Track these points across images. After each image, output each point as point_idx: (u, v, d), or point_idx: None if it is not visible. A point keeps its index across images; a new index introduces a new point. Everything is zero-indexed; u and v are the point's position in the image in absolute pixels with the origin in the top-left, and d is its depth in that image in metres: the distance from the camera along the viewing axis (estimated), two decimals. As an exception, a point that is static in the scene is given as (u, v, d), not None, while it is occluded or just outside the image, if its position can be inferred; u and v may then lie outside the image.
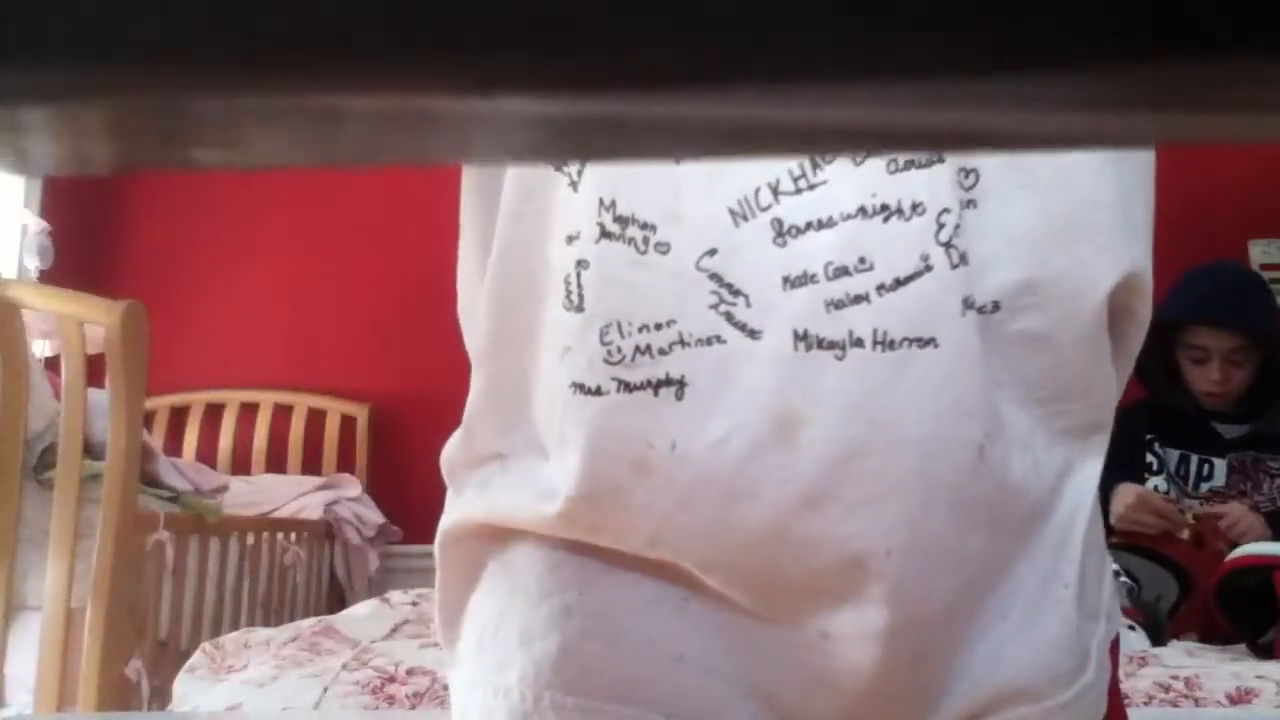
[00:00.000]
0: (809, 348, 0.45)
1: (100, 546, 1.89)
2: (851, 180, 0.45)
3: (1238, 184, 3.14)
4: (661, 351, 0.46)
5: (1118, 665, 0.66)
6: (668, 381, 0.46)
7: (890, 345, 0.44)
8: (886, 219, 0.45)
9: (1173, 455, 2.30)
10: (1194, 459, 2.29)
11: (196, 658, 1.65)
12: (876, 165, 0.45)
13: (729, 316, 0.45)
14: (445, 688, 1.43)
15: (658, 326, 0.46)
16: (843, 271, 0.45)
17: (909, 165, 0.45)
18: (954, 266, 0.45)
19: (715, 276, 0.46)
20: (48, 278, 3.16)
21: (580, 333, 0.47)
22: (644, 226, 0.46)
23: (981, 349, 0.46)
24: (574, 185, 0.48)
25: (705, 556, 0.48)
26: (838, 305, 0.45)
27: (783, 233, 0.45)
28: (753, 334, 0.45)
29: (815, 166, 0.46)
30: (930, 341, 0.45)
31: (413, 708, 1.39)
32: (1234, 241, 3.01)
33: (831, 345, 0.45)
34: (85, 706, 1.84)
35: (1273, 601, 1.56)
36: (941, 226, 0.45)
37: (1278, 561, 1.58)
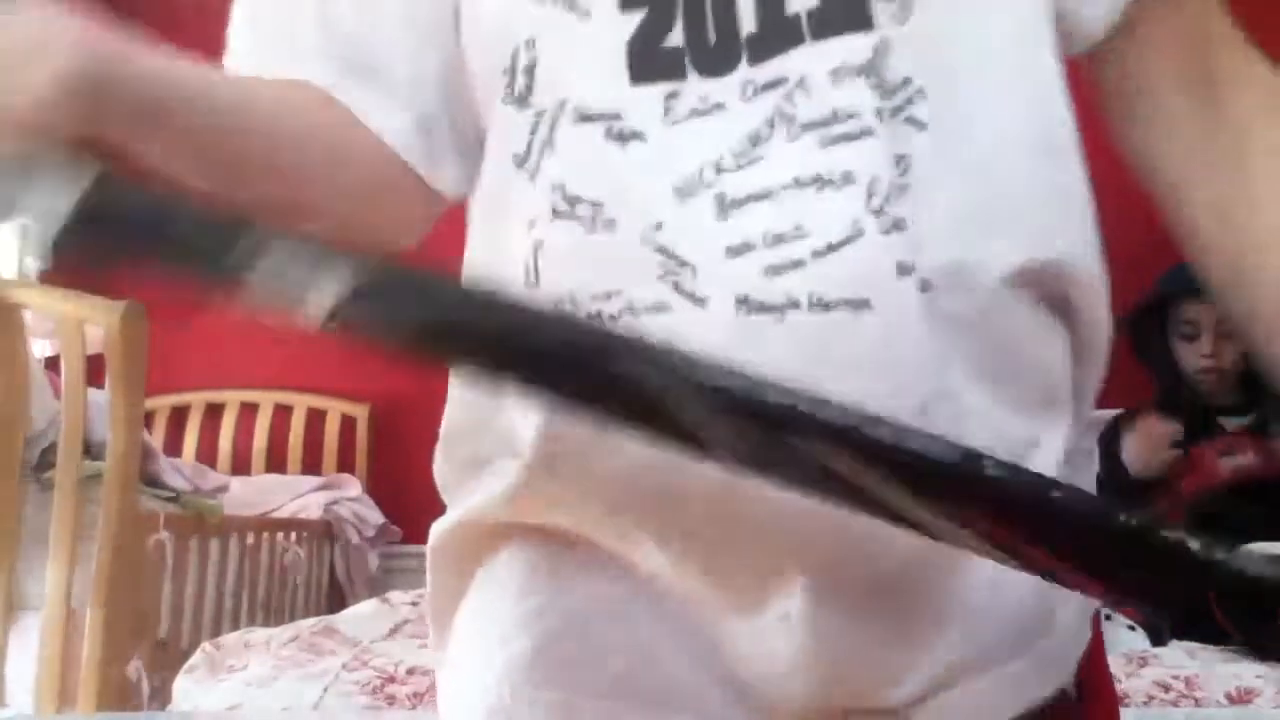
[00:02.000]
0: (750, 312, 0.47)
1: (100, 546, 1.89)
2: (787, 155, 0.48)
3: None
4: (612, 318, 0.48)
5: (1102, 648, 0.66)
6: None
7: (826, 307, 0.47)
8: (820, 189, 0.47)
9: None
10: None
11: (196, 658, 1.65)
12: (810, 140, 0.48)
13: (676, 285, 0.48)
14: (445, 688, 1.44)
15: (608, 296, 0.48)
16: (779, 239, 0.47)
17: (840, 139, 0.47)
18: (885, 232, 0.47)
19: (662, 249, 0.48)
20: (48, 278, 3.16)
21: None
22: (593, 205, 0.49)
23: (921, 316, 0.48)
24: (532, 176, 0.51)
25: (662, 523, 0.50)
26: (776, 271, 0.47)
27: (724, 206, 0.48)
28: (699, 301, 0.48)
29: (754, 143, 0.48)
30: (864, 304, 0.47)
31: (413, 708, 1.40)
32: (1234, 241, 3.02)
33: (771, 309, 0.47)
34: (85, 706, 1.84)
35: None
36: (872, 195, 0.47)
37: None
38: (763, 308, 0.47)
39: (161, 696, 1.90)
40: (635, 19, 0.49)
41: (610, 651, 0.54)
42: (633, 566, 0.53)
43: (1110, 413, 2.47)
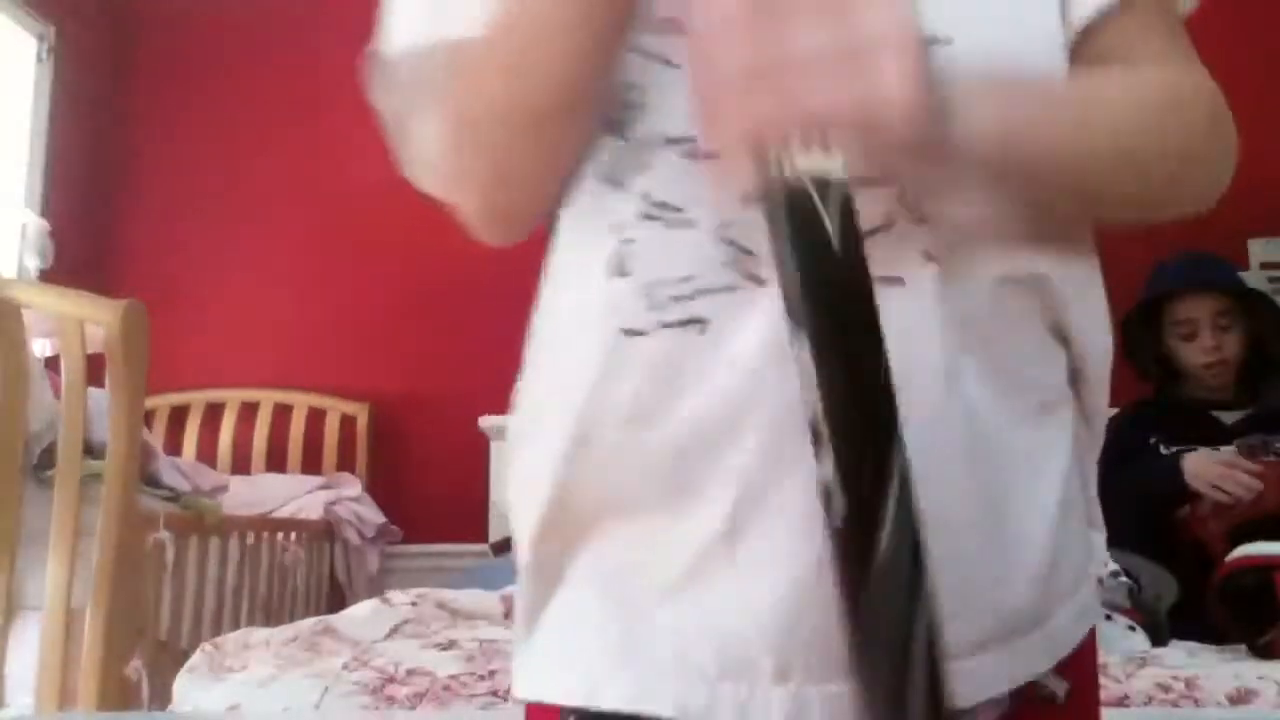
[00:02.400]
0: None
1: (100, 546, 1.89)
2: None
3: (1238, 183, 3.14)
4: (689, 298, 0.59)
5: (1094, 659, 0.69)
6: (692, 321, 0.59)
7: None
8: (862, 186, 0.54)
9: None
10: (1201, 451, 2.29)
11: (196, 658, 1.65)
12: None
13: (741, 270, 0.59)
14: (445, 688, 1.44)
15: (686, 279, 0.59)
16: None
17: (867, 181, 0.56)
18: (913, 223, 0.58)
19: (731, 242, 0.59)
20: (48, 277, 3.16)
21: (630, 293, 0.61)
22: (675, 209, 0.60)
23: (940, 298, 0.58)
24: (624, 190, 0.62)
25: (725, 452, 0.60)
26: None
27: None
28: (760, 282, 0.58)
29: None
30: (897, 280, 0.57)
31: (413, 708, 1.40)
32: (1234, 240, 3.01)
33: None
34: (85, 706, 1.84)
35: (1273, 601, 1.56)
36: (903, 193, 0.58)
37: (1278, 561, 1.58)
38: None
39: (161, 696, 1.90)
40: None
41: (689, 638, 0.62)
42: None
43: (1110, 411, 2.48)
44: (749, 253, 0.58)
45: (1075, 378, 0.66)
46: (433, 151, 0.67)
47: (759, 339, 0.58)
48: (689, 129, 0.58)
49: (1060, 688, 0.63)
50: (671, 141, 0.60)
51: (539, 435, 0.66)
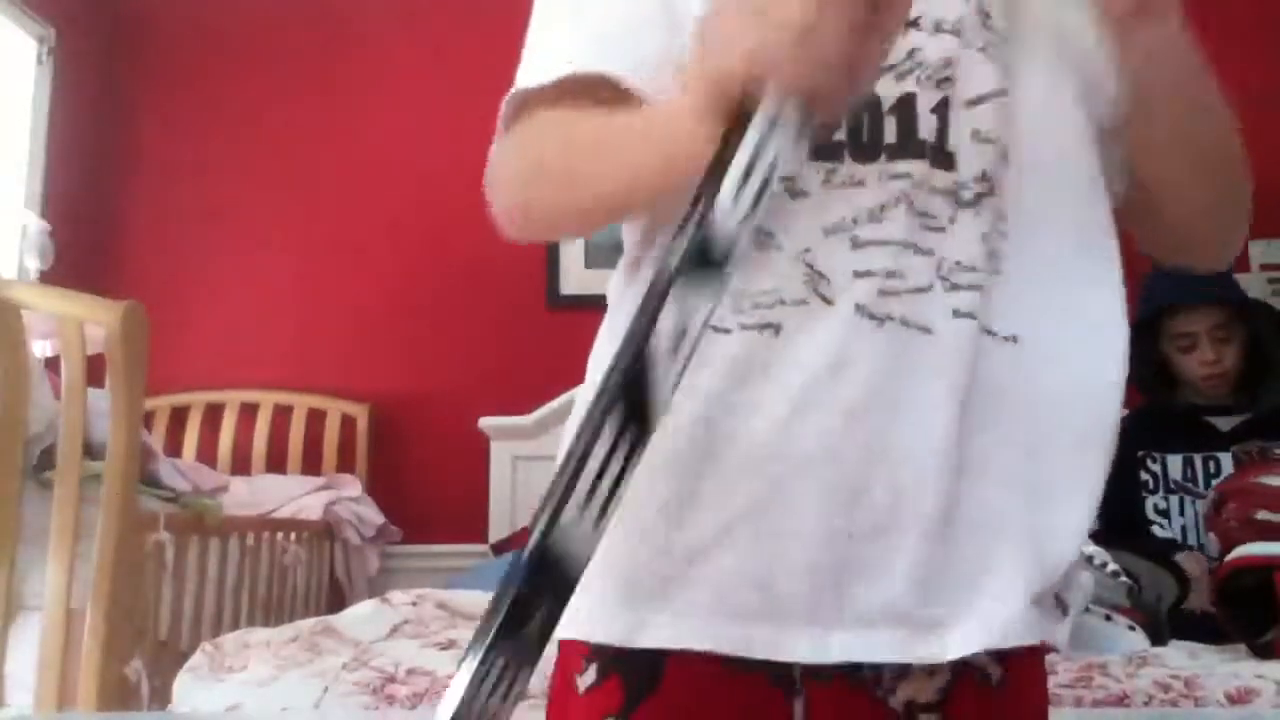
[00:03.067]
0: (862, 316, 0.70)
1: (100, 546, 1.89)
2: (901, 223, 0.71)
3: (1238, 184, 3.13)
4: (768, 307, 0.71)
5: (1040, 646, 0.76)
6: (769, 325, 0.71)
7: (907, 325, 0.70)
8: (915, 252, 0.71)
9: (1175, 461, 2.28)
10: (1198, 460, 2.27)
11: (196, 658, 1.65)
12: (916, 222, 0.71)
13: (814, 289, 0.71)
14: (445, 688, 1.43)
15: (768, 293, 0.71)
16: (890, 274, 0.71)
17: (929, 229, 0.71)
18: (946, 290, 0.71)
19: (809, 265, 0.71)
20: (48, 278, 3.16)
21: None
22: (767, 234, 0.71)
23: (966, 347, 0.71)
24: None
25: (780, 443, 0.70)
26: (884, 294, 0.70)
27: (856, 244, 0.71)
28: (829, 302, 0.70)
29: (882, 209, 0.71)
30: (927, 329, 0.70)
31: (413, 708, 1.40)
32: (1234, 241, 3.01)
33: (876, 318, 0.70)
34: (85, 706, 1.84)
35: (1272, 601, 1.56)
36: (940, 265, 0.71)
37: (1278, 561, 1.58)
38: (871, 316, 0.70)
39: (161, 696, 1.90)
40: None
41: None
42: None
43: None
44: (823, 276, 0.71)
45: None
46: (504, 175, 0.77)
47: (823, 346, 0.70)
48: (790, 170, 0.69)
49: (995, 671, 0.72)
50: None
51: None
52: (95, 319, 1.93)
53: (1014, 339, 0.72)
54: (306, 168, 3.57)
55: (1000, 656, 0.72)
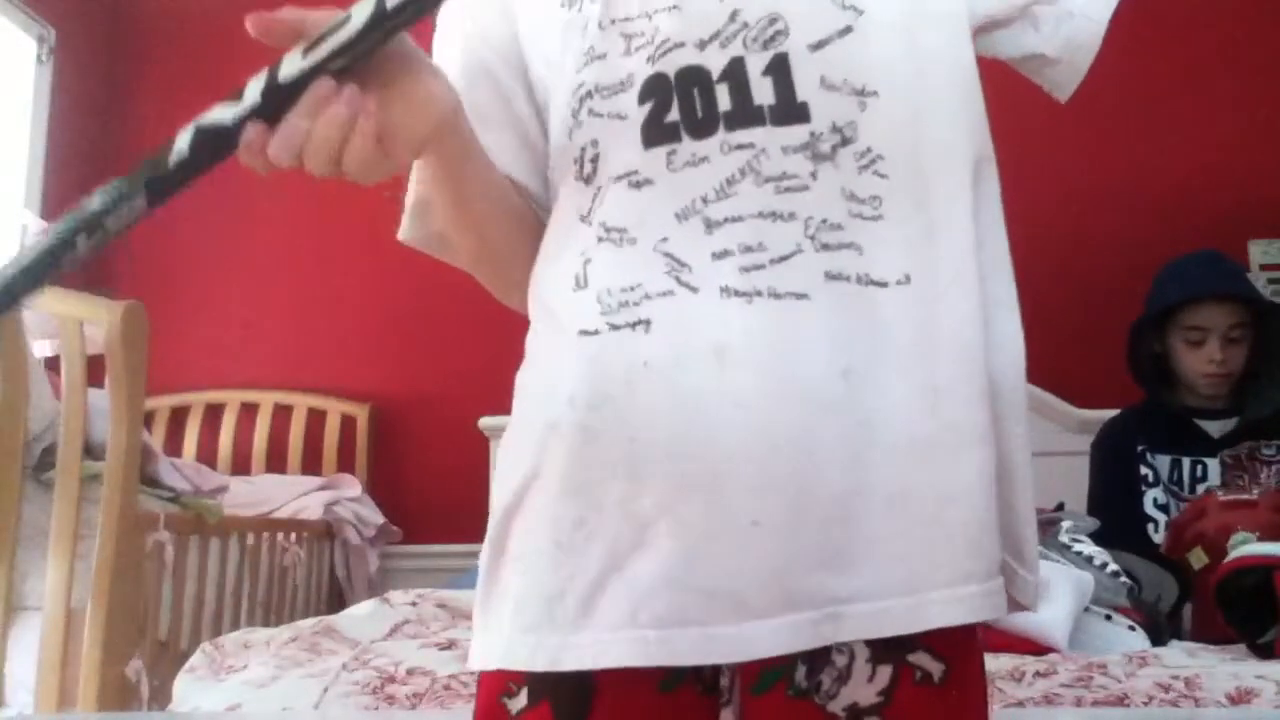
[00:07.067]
0: (729, 297, 0.69)
1: (100, 546, 1.89)
2: (754, 195, 0.70)
3: (1238, 184, 3.14)
4: (635, 304, 0.70)
5: (977, 645, 0.75)
6: (639, 322, 0.70)
7: (778, 296, 0.69)
8: (774, 220, 0.70)
9: (1163, 461, 2.27)
10: (1185, 463, 2.26)
11: (196, 658, 1.65)
12: (769, 188, 0.70)
13: (678, 279, 0.70)
14: (445, 688, 1.44)
15: (632, 288, 0.70)
16: (748, 249, 0.69)
17: (787, 190, 0.70)
18: (816, 250, 0.69)
19: (668, 255, 0.70)
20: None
21: (585, 299, 0.72)
22: (622, 231, 0.72)
23: (842, 309, 0.69)
24: (588, 223, 0.74)
25: (676, 440, 0.69)
26: (746, 270, 0.69)
27: (710, 225, 0.70)
28: (693, 289, 0.69)
29: (730, 184, 0.70)
30: (804, 295, 0.69)
31: (413, 708, 1.39)
32: (1234, 241, 3.01)
33: (743, 295, 0.69)
34: (85, 706, 1.84)
35: (1272, 601, 1.56)
36: (808, 226, 0.70)
37: (1277, 561, 1.58)
38: (737, 294, 0.69)
39: (161, 696, 1.90)
40: (647, 107, 0.73)
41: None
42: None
43: (1110, 413, 2.46)
44: (683, 264, 0.70)
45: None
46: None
47: (697, 335, 0.68)
48: (632, 164, 0.72)
49: (936, 669, 0.70)
50: (618, 178, 0.73)
51: (521, 424, 0.77)
52: (95, 319, 1.93)
53: (906, 279, 0.70)
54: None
55: (939, 653, 0.70)
